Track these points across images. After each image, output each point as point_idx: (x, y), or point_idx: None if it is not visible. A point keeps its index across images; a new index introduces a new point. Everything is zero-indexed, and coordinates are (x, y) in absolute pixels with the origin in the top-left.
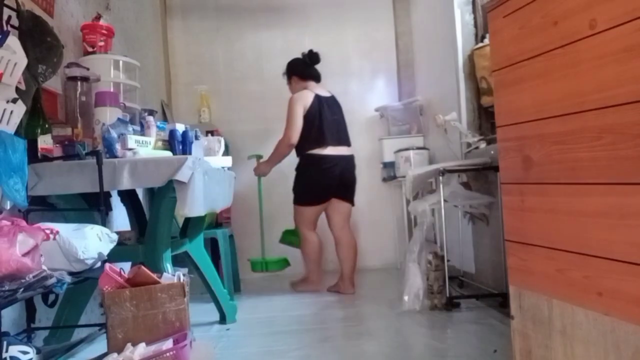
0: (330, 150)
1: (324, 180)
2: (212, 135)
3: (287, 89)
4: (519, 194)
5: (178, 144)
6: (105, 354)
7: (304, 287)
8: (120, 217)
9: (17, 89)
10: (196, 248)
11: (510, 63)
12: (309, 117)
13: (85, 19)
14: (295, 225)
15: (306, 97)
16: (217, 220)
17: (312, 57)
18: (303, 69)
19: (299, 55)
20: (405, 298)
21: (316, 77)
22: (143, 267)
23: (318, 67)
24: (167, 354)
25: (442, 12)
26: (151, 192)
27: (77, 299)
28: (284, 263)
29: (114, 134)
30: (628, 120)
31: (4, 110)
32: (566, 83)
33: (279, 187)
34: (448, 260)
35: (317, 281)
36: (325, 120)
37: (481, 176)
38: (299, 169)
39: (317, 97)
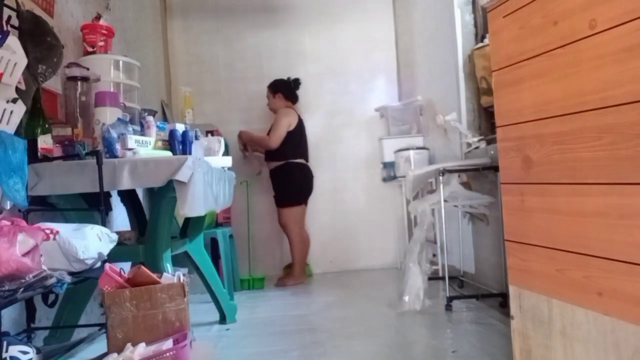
0: (304, 162)
1: (305, 184)
2: (212, 135)
3: None
4: (519, 194)
5: (178, 144)
6: (105, 354)
7: (292, 281)
8: (120, 217)
9: (17, 89)
10: (196, 248)
11: (510, 63)
12: (295, 132)
13: (85, 19)
14: (285, 226)
15: (293, 116)
16: (217, 220)
17: (296, 84)
18: (290, 90)
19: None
20: (406, 298)
21: (296, 100)
22: (143, 267)
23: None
24: (167, 354)
25: (442, 12)
26: (151, 192)
27: (77, 299)
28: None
29: (114, 134)
30: (628, 120)
31: (4, 110)
32: (566, 83)
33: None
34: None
35: (302, 275)
36: (304, 138)
37: (481, 176)
38: (283, 173)
39: (299, 119)
